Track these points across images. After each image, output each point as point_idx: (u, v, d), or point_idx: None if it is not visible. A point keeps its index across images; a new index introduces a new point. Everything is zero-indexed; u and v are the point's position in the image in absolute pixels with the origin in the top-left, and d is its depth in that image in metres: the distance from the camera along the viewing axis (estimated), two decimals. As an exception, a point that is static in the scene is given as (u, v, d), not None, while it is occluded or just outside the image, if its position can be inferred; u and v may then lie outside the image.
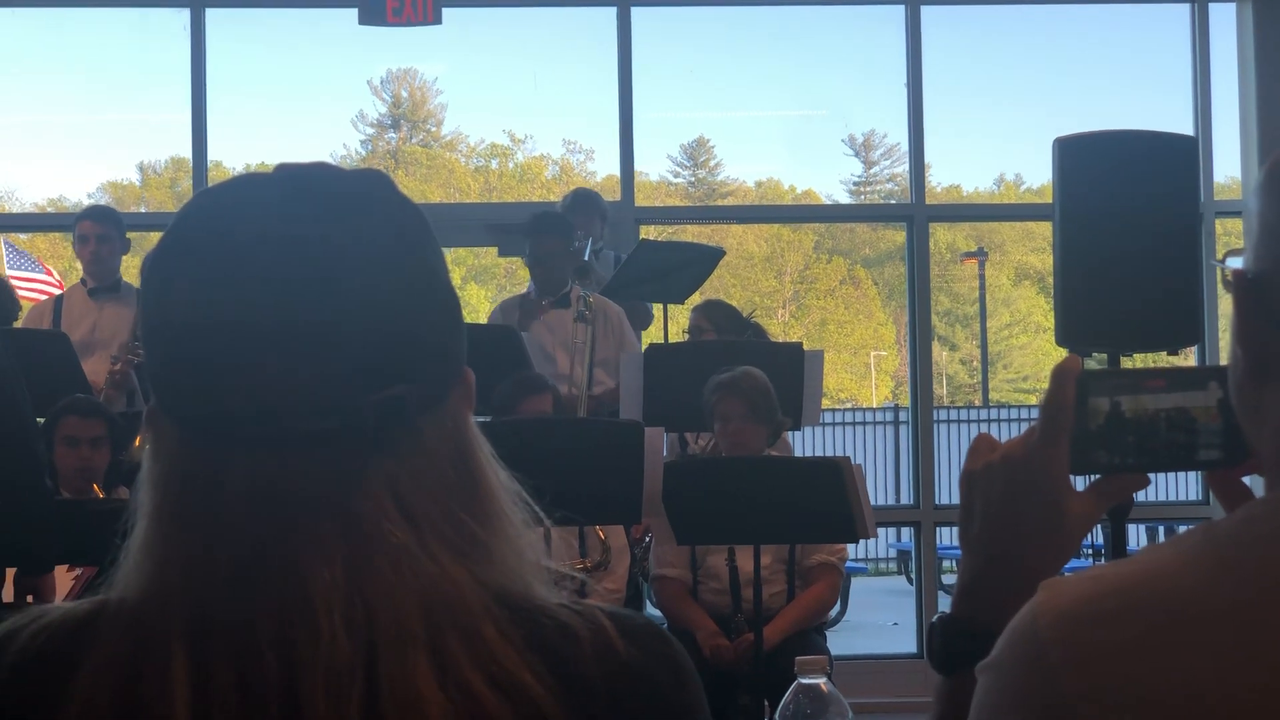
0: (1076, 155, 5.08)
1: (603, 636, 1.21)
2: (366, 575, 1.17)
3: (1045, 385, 1.30)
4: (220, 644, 1.15)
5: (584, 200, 7.63)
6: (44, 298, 8.83)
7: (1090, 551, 9.63)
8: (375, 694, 1.14)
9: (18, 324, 6.98)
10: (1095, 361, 5.00)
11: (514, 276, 22.89)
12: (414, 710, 1.14)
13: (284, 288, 1.19)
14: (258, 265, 1.20)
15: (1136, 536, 11.01)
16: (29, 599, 4.13)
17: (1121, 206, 4.99)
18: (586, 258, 7.30)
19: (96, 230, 7.14)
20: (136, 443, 5.98)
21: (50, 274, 13.17)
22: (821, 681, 2.54)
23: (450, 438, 1.25)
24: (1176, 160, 5.17)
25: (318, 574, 1.16)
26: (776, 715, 2.52)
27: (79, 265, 7.40)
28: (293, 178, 1.26)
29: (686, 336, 7.07)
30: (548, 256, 7.06)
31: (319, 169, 1.27)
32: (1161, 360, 5.68)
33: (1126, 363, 5.19)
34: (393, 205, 1.26)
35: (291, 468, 1.18)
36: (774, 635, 5.39)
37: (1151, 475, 1.33)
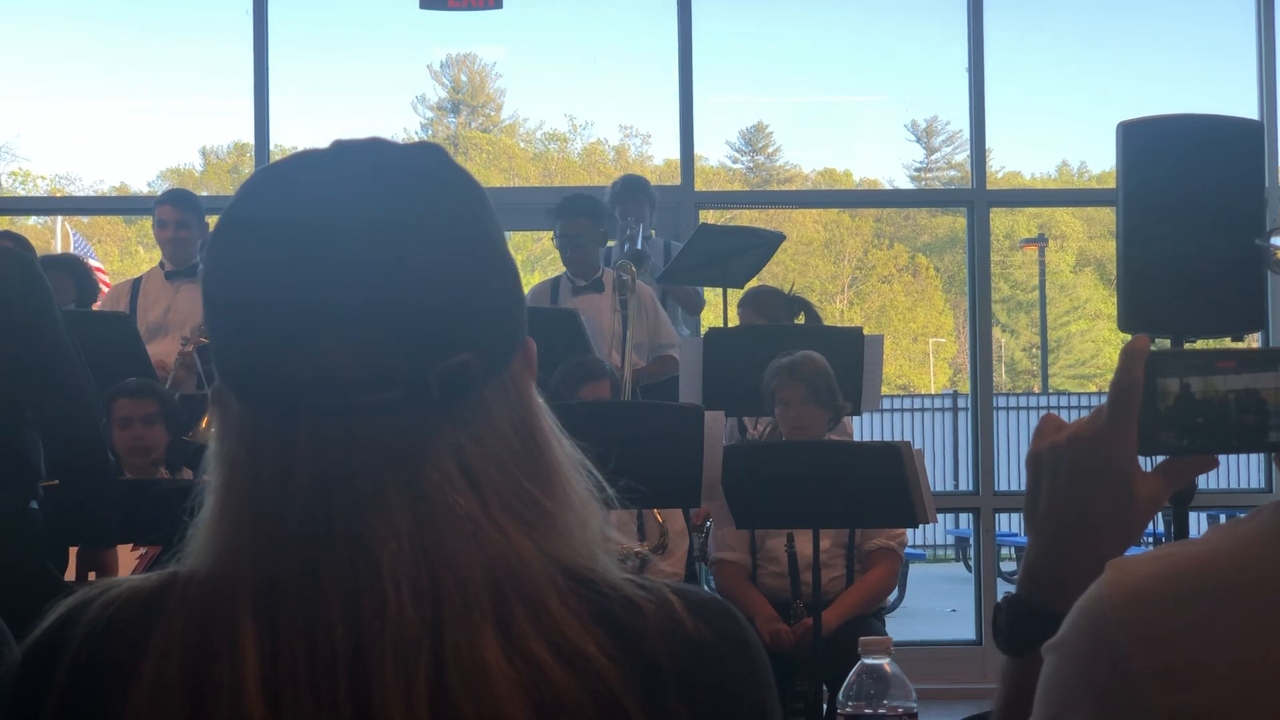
0: (1141, 140, 5.05)
1: (669, 612, 1.21)
2: (433, 545, 1.17)
3: (1105, 372, 1.29)
4: (289, 616, 1.16)
5: (633, 186, 7.63)
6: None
7: (1151, 540, 9.56)
8: (442, 664, 1.15)
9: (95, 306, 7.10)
10: (1157, 347, 4.97)
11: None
12: (480, 680, 1.15)
13: (344, 260, 1.19)
14: (317, 239, 1.20)
15: (1197, 523, 10.92)
16: (91, 576, 4.17)
17: (1186, 191, 4.95)
18: (640, 245, 7.31)
19: (176, 216, 7.23)
20: (204, 423, 6.03)
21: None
22: (885, 662, 2.53)
23: (514, 406, 1.25)
24: (1242, 145, 5.14)
25: (385, 545, 1.17)
26: (840, 696, 2.52)
27: (140, 248, 7.48)
28: (349, 152, 1.26)
29: None
30: (578, 236, 7.12)
31: (374, 144, 1.27)
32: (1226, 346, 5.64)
33: (1189, 348, 5.15)
34: (449, 176, 1.27)
35: (357, 439, 1.19)
36: (833, 620, 5.38)
37: (1219, 458, 1.32)
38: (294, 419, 1.19)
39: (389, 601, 1.15)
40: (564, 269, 7.31)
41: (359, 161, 1.25)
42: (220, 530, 1.21)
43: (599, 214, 7.19)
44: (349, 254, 1.20)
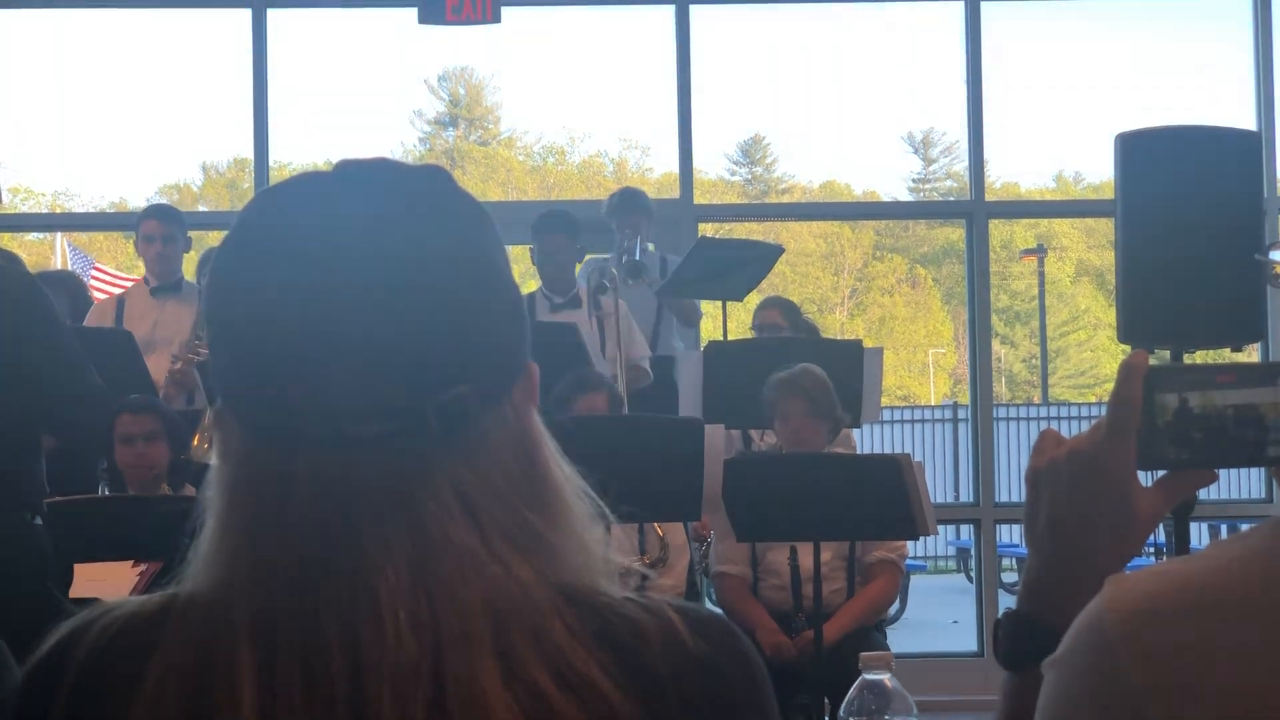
0: (1139, 151, 5.05)
1: (671, 631, 1.21)
2: (431, 576, 1.17)
3: (1105, 382, 1.29)
4: (287, 642, 1.16)
5: (629, 199, 7.68)
6: (104, 296, 8.87)
7: (1153, 550, 9.57)
8: (441, 694, 1.15)
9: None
10: (1156, 358, 4.96)
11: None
12: (479, 709, 1.14)
13: (346, 287, 1.19)
14: (320, 264, 1.20)
15: (1199, 534, 10.93)
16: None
17: (1184, 203, 4.95)
18: (638, 257, 7.33)
19: (162, 231, 7.19)
20: (195, 440, 6.03)
21: (104, 270, 13.30)
22: (886, 677, 2.54)
23: (514, 434, 1.25)
24: (1240, 156, 5.13)
25: (383, 575, 1.17)
26: (841, 711, 2.52)
27: (141, 264, 7.46)
28: (354, 175, 1.26)
29: (753, 333, 7.10)
30: (555, 253, 7.18)
31: (380, 165, 1.27)
32: (1225, 357, 5.64)
33: (1189, 359, 5.15)
34: (454, 201, 1.26)
35: (356, 469, 1.19)
36: (834, 632, 5.37)
37: (1218, 471, 1.32)
38: (293, 447, 1.19)
39: (386, 631, 1.15)
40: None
41: (362, 183, 1.25)
42: (219, 553, 1.22)
43: (575, 230, 7.24)
44: (351, 283, 1.19)
